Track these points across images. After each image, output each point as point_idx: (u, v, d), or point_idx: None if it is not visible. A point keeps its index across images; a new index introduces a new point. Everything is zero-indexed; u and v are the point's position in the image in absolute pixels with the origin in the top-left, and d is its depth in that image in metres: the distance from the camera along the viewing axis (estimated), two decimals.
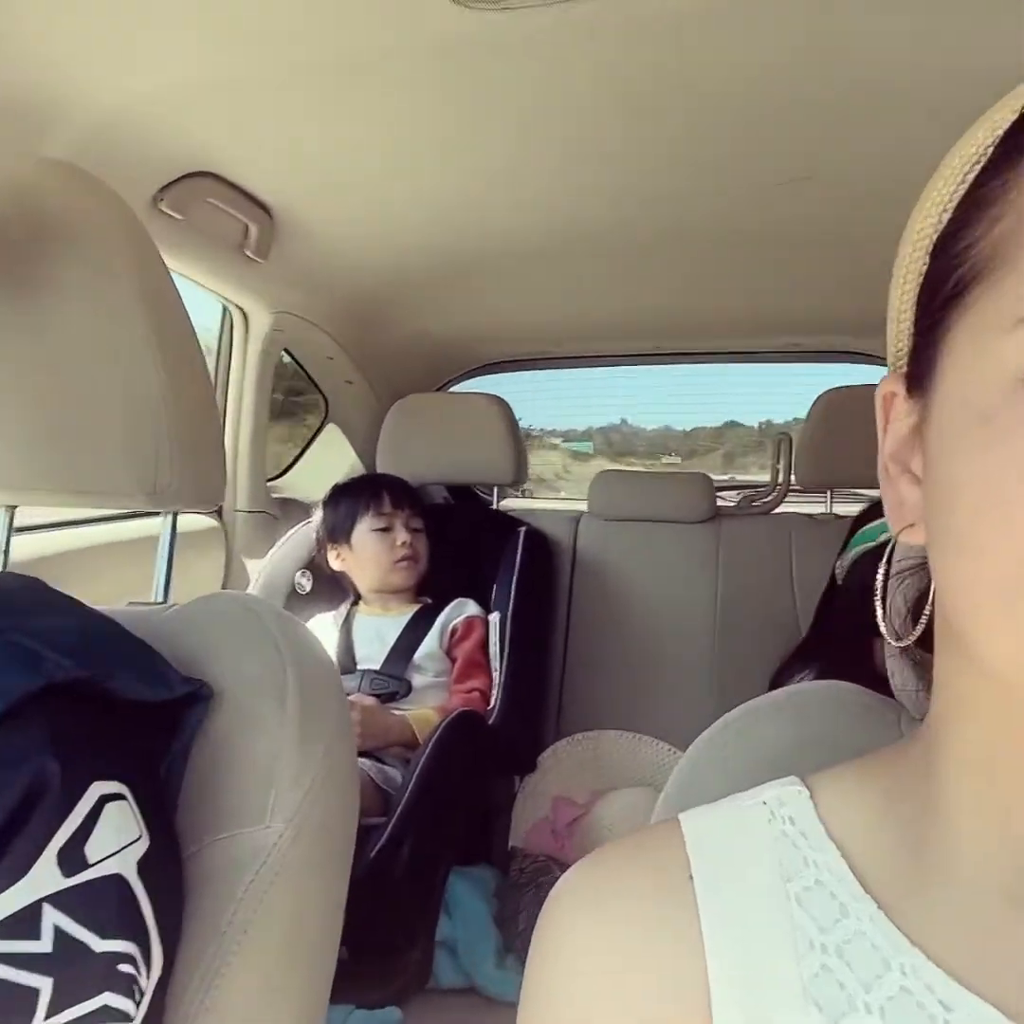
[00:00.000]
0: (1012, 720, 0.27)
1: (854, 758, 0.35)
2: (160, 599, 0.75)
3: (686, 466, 3.14)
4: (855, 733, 0.45)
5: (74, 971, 0.38)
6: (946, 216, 0.28)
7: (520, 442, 1.77)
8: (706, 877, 0.31)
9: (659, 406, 3.22)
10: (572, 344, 2.02)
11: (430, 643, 1.53)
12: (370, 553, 1.56)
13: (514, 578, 1.63)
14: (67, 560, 1.22)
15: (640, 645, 1.69)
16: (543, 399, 2.86)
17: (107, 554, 1.31)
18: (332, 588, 1.65)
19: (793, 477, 1.78)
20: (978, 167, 0.28)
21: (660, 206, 1.22)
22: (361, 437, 1.92)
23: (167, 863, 0.46)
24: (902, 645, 0.32)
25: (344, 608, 1.62)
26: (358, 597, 1.63)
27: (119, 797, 0.43)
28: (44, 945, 0.38)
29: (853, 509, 1.49)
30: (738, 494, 1.99)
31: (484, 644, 1.56)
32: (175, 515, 0.76)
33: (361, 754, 1.31)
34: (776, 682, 1.20)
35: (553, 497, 2.73)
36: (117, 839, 0.42)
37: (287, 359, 1.78)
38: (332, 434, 1.95)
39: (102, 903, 0.40)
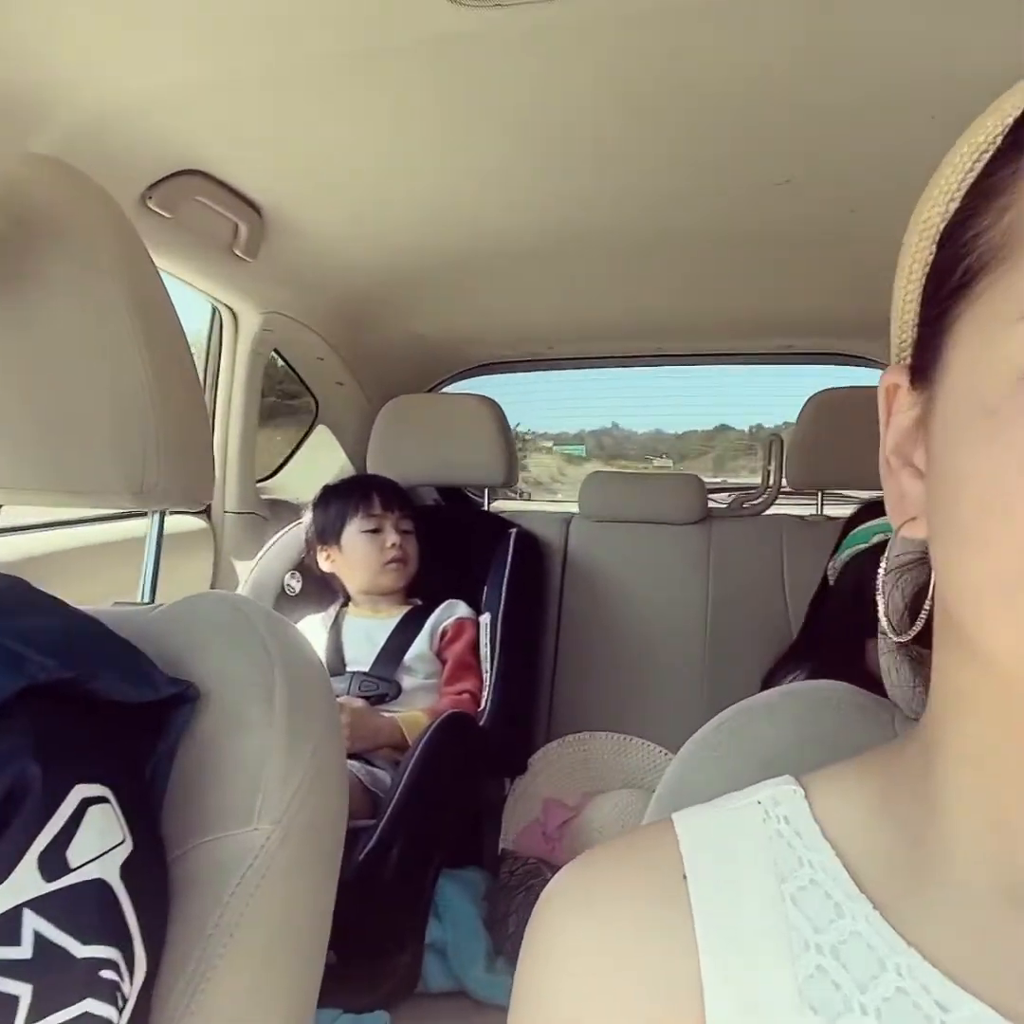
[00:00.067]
0: (1012, 714, 0.27)
1: (848, 757, 0.35)
2: (146, 599, 0.75)
3: (677, 469, 3.14)
4: (849, 732, 0.45)
5: (54, 977, 0.38)
6: (954, 205, 0.28)
7: (511, 444, 1.77)
8: (700, 877, 0.31)
9: (650, 409, 3.24)
10: (564, 345, 2.01)
11: (420, 645, 1.52)
12: (360, 555, 1.56)
13: (505, 579, 1.63)
14: (54, 561, 1.21)
15: (631, 647, 1.68)
16: (535, 402, 2.86)
17: (97, 555, 1.30)
18: (321, 590, 1.64)
19: (784, 479, 1.78)
20: (987, 156, 0.27)
21: (655, 207, 1.22)
22: (351, 438, 1.92)
23: (151, 867, 0.46)
24: (902, 640, 0.32)
25: (333, 610, 1.61)
26: (348, 599, 1.62)
27: (102, 800, 0.42)
28: (24, 951, 0.37)
29: (843, 512, 1.49)
30: (729, 496, 1.99)
31: (474, 646, 1.55)
32: (162, 514, 0.75)
33: (350, 756, 1.30)
34: (767, 683, 1.20)
35: (550, 499, 2.73)
36: (100, 843, 0.41)
37: (278, 361, 1.78)
38: (322, 435, 1.94)
39: (84, 908, 0.40)
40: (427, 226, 1.31)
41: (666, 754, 1.54)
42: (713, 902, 0.30)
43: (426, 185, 1.17)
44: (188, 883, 0.49)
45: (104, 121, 0.93)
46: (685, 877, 0.31)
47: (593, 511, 1.79)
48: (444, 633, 1.55)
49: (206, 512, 1.61)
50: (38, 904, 0.38)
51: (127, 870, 0.42)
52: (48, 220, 0.59)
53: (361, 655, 1.52)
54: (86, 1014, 0.38)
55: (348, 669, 1.51)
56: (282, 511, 1.76)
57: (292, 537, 1.66)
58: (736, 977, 0.29)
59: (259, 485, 1.75)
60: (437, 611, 1.57)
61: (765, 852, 0.31)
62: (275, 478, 1.94)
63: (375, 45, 0.84)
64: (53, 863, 0.39)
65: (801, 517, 1.72)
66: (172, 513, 1.46)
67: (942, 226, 0.29)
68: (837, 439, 1.58)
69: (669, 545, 1.73)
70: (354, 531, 1.56)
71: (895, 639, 0.32)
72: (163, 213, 1.08)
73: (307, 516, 1.63)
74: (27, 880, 0.38)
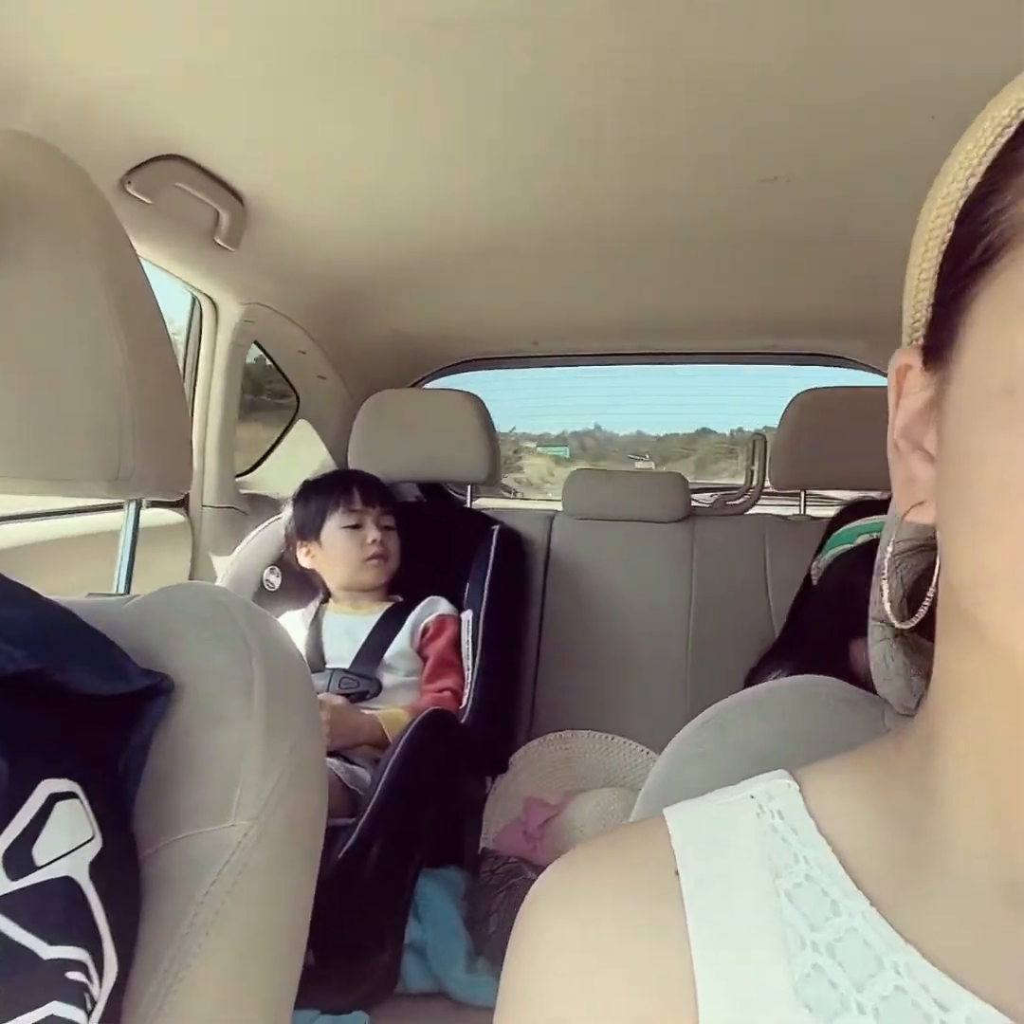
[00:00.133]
0: (1016, 704, 0.26)
1: (839, 752, 0.34)
2: (122, 591, 0.73)
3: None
4: (838, 727, 0.44)
5: (19, 979, 0.36)
6: (974, 181, 0.27)
7: (494, 440, 1.76)
8: (693, 872, 0.30)
9: (632, 411, 3.25)
10: (550, 343, 2.01)
11: (401, 642, 1.51)
12: (340, 550, 1.54)
13: (487, 577, 1.62)
14: (25, 553, 1.18)
15: (613, 645, 1.68)
16: (518, 402, 2.86)
17: (70, 548, 1.27)
18: (301, 585, 1.62)
19: (767, 481, 1.79)
20: (1010, 131, 0.26)
21: (647, 204, 1.21)
22: (333, 433, 1.90)
23: (122, 864, 0.44)
24: (905, 627, 0.31)
25: (313, 606, 1.60)
26: (328, 595, 1.60)
27: (70, 795, 0.41)
28: None
29: (826, 513, 1.50)
30: (712, 496, 2.00)
31: (456, 643, 1.54)
32: (139, 504, 0.74)
33: (329, 754, 1.28)
34: (749, 681, 1.19)
35: (542, 498, 2.74)
36: (68, 840, 0.40)
37: (267, 361, 1.76)
38: (303, 430, 1.92)
39: (51, 907, 0.38)
40: (414, 220, 1.29)
41: (648, 753, 1.54)
42: (706, 898, 0.30)
43: (414, 179, 1.15)
44: (161, 881, 0.48)
45: (83, 102, 0.91)
46: (677, 873, 0.30)
47: (576, 509, 1.79)
48: (425, 630, 1.54)
49: (184, 506, 1.59)
50: (2, 903, 0.37)
51: (96, 868, 0.41)
52: (24, 199, 0.57)
53: (341, 652, 1.51)
54: (52, 1017, 0.37)
55: (328, 666, 1.49)
56: (261, 506, 1.74)
57: (271, 532, 1.64)
58: (729, 972, 0.28)
59: (238, 479, 1.73)
60: (418, 608, 1.56)
61: (759, 847, 0.31)
62: (255, 472, 1.91)
63: (363, 32, 0.82)
64: (18, 860, 0.38)
65: (784, 517, 1.73)
66: (149, 506, 1.44)
67: (961, 202, 0.28)
68: (821, 439, 1.58)
69: (652, 543, 1.73)
70: (334, 527, 1.54)
71: (899, 626, 0.31)
72: (143, 198, 1.06)
73: (287, 511, 1.62)
74: None
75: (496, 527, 1.71)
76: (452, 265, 1.48)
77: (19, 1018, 0.36)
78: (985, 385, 0.25)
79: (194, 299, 1.51)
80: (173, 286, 1.40)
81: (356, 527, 1.54)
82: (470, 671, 1.51)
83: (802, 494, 1.73)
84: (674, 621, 1.67)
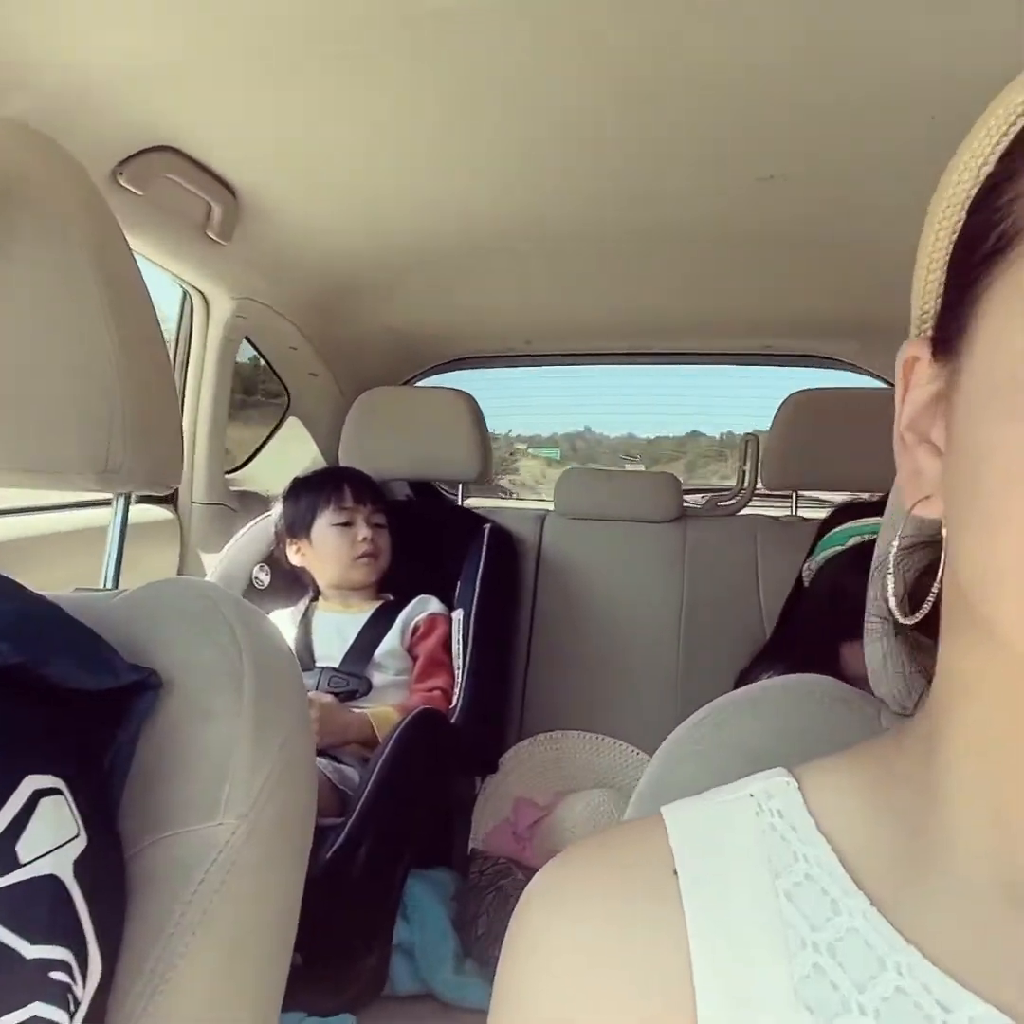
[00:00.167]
0: (1018, 703, 0.26)
1: (835, 751, 0.34)
2: (109, 586, 0.72)
3: None
4: (834, 726, 0.44)
5: (1, 979, 0.35)
6: (986, 170, 0.27)
7: (486, 438, 1.75)
8: (691, 871, 0.30)
9: (623, 414, 3.25)
10: (543, 342, 2.00)
11: (391, 640, 1.50)
12: (330, 548, 1.53)
13: (478, 576, 1.61)
14: (12, 548, 1.17)
15: (604, 645, 1.68)
16: (509, 404, 2.85)
17: (57, 543, 1.26)
18: (291, 583, 1.61)
19: (759, 482, 1.79)
20: None
21: (640, 205, 1.21)
22: (324, 430, 1.89)
23: (107, 862, 0.43)
24: (908, 622, 0.31)
25: (303, 604, 1.59)
26: (318, 593, 1.59)
27: (55, 792, 0.40)
28: None
29: (817, 515, 1.50)
30: (703, 497, 2.00)
31: (446, 642, 1.53)
32: (127, 498, 0.73)
33: (317, 753, 1.27)
34: (741, 682, 1.19)
35: (536, 498, 2.74)
36: (52, 837, 0.39)
37: (250, 352, 1.74)
38: (293, 427, 1.91)
39: (34, 906, 0.37)
40: (409, 217, 1.29)
41: (639, 754, 1.54)
42: (704, 896, 0.29)
43: (410, 176, 1.15)
44: (146, 880, 0.47)
45: (76, 92, 0.90)
46: (675, 872, 0.30)
47: (568, 508, 1.78)
48: (416, 629, 1.53)
49: (173, 502, 1.57)
50: None
51: (81, 866, 0.40)
52: (12, 186, 0.56)
53: (331, 650, 1.50)
54: (35, 1018, 0.36)
55: (317, 664, 1.48)
56: (251, 503, 1.73)
57: (261, 529, 1.63)
58: (727, 970, 0.28)
59: (228, 476, 1.72)
60: (409, 606, 1.55)
61: (758, 846, 0.30)
62: (245, 469, 1.90)
63: (358, 23, 0.82)
64: (2, 858, 0.37)
65: (776, 518, 1.73)
66: (138, 501, 1.42)
67: (974, 191, 0.28)
68: (813, 440, 1.58)
69: (644, 544, 1.73)
70: (325, 524, 1.53)
71: (902, 621, 0.31)
72: (134, 190, 1.05)
73: (277, 508, 1.60)
74: None
75: (487, 526, 1.71)
76: (446, 263, 1.48)
77: (2, 1019, 0.35)
78: (995, 376, 0.25)
79: (185, 293, 1.49)
80: (162, 280, 1.39)
81: (346, 525, 1.53)
82: (460, 670, 1.50)
83: (794, 495, 1.73)
84: (665, 622, 1.67)
